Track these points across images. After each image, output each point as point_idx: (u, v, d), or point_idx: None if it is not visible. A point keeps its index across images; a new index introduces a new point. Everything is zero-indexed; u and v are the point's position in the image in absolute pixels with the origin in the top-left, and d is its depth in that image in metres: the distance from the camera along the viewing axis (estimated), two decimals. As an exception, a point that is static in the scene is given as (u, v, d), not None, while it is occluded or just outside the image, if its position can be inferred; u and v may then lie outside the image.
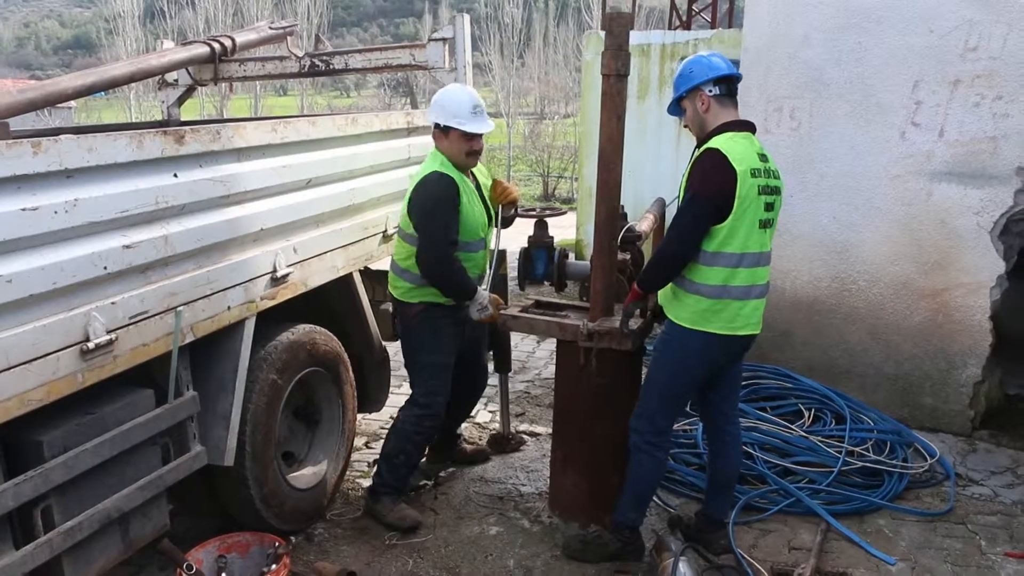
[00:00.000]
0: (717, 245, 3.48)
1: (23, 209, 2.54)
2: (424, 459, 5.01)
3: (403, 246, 4.19)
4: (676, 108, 3.77)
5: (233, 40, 5.68)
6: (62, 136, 2.71)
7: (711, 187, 3.43)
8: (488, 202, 4.33)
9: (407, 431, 4.30)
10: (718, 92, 3.58)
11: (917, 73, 5.28)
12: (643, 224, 4.77)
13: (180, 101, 6.18)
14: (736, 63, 5.87)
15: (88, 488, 2.95)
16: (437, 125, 4.10)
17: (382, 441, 4.46)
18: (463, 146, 4.09)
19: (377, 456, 4.54)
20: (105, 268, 2.86)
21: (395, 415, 4.42)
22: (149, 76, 5.29)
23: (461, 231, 4.10)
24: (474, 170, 4.32)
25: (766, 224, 3.56)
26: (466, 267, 4.19)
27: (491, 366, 5.13)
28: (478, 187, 4.29)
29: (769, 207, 3.56)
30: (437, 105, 4.11)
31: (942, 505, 4.58)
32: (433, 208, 4.04)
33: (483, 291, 4.24)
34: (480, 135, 4.11)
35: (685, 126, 3.77)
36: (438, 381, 4.29)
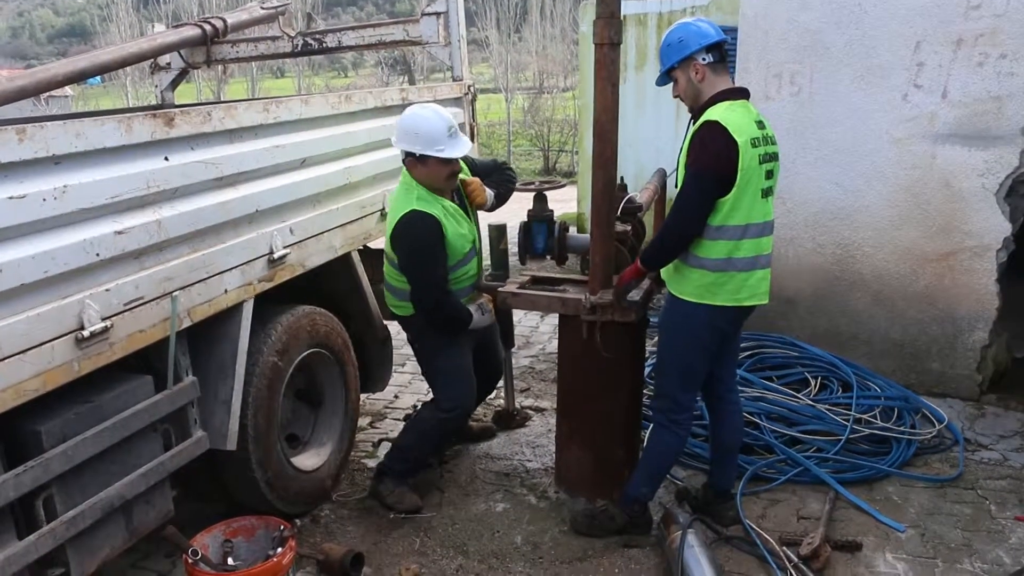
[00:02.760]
0: (721, 218, 3.42)
1: (10, 197, 2.50)
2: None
3: (392, 270, 4.13)
4: (665, 79, 3.67)
5: (225, 21, 5.63)
6: (48, 122, 2.67)
7: (713, 161, 3.36)
8: (467, 206, 4.22)
9: (427, 432, 4.29)
10: (711, 59, 3.49)
11: (919, 33, 5.19)
12: (644, 195, 4.71)
13: (174, 85, 6.14)
14: (734, 30, 5.82)
15: (89, 477, 2.93)
16: (411, 154, 3.90)
17: (387, 421, 4.44)
18: (443, 171, 3.93)
19: (382, 436, 4.52)
20: (98, 255, 2.82)
21: (419, 410, 4.43)
22: (140, 60, 5.24)
23: (449, 258, 4.02)
24: None
25: (767, 193, 3.51)
26: (462, 280, 4.16)
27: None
28: (460, 196, 4.19)
29: (769, 175, 3.50)
30: (408, 133, 3.88)
31: (951, 471, 4.55)
32: (419, 257, 3.93)
33: (473, 308, 4.20)
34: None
35: (676, 96, 3.66)
36: (460, 384, 4.25)
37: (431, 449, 4.40)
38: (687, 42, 3.48)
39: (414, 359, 4.49)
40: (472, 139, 5.42)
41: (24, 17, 74.46)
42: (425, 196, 3.94)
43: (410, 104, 4.76)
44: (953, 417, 5.08)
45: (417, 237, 3.90)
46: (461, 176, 4.24)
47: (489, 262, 4.86)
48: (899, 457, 4.58)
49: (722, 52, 3.53)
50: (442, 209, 3.96)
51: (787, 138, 5.36)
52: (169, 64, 6.01)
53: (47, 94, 5.14)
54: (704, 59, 3.47)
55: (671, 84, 3.65)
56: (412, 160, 3.92)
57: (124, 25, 31.56)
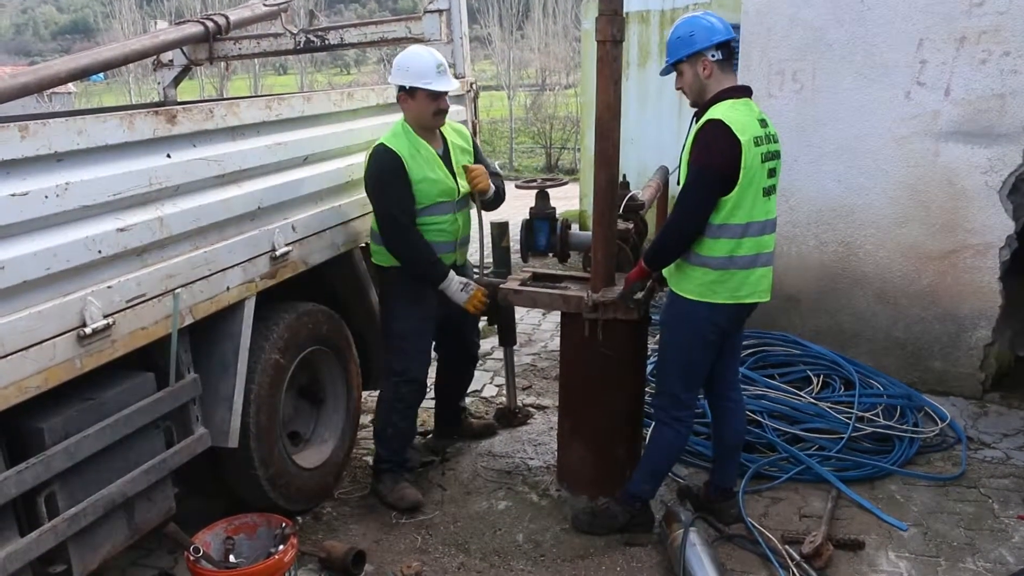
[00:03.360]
0: (723, 217, 3.42)
1: (12, 194, 2.50)
2: (431, 435, 5.00)
3: (373, 215, 4.19)
4: (669, 69, 3.64)
5: (227, 18, 5.62)
6: (50, 119, 2.67)
7: (716, 160, 3.35)
8: (455, 167, 4.23)
9: (387, 400, 4.29)
10: (720, 57, 3.47)
11: (921, 31, 5.18)
12: (646, 193, 4.72)
13: (176, 81, 6.14)
14: (736, 27, 5.79)
15: (91, 474, 2.93)
16: (402, 88, 4.02)
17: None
18: (430, 106, 4.02)
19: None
20: (100, 252, 2.82)
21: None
22: (143, 57, 5.23)
23: (416, 199, 4.05)
24: (446, 131, 4.24)
25: (770, 191, 3.50)
26: (432, 232, 4.13)
27: (496, 339, 5.09)
28: (446, 150, 4.21)
29: (772, 173, 3.50)
30: (400, 68, 4.01)
31: (954, 469, 4.54)
32: (376, 186, 4.04)
33: (458, 282, 4.18)
34: (446, 94, 4.05)
35: (679, 88, 3.65)
36: (412, 346, 4.25)
37: (402, 422, 4.33)
38: (697, 37, 3.45)
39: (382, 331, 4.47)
40: (474, 136, 5.41)
41: (28, 14, 74.53)
42: (399, 132, 4.06)
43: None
44: (956, 415, 5.07)
45: (375, 170, 4.01)
46: (465, 164, 4.26)
47: (491, 259, 4.86)
48: (901, 455, 4.57)
49: (730, 50, 3.51)
50: (411, 148, 4.03)
51: (789, 136, 5.35)
52: (172, 61, 6.01)
53: (50, 91, 5.14)
54: (713, 56, 3.45)
55: (673, 75, 3.63)
56: (403, 95, 4.03)
57: (127, 22, 31.66)
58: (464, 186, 4.25)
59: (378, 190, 4.04)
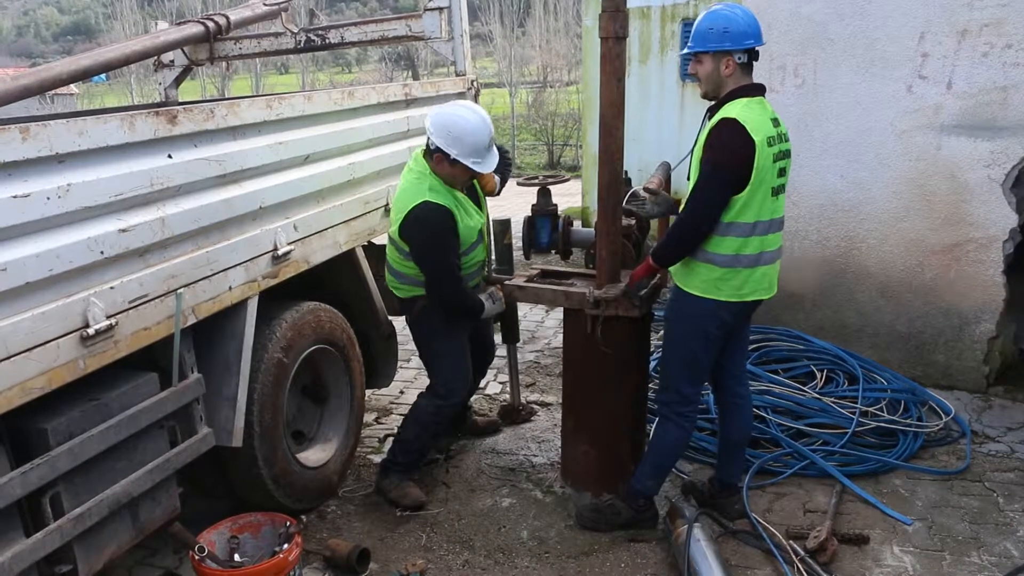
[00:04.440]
0: (733, 216, 3.42)
1: (14, 196, 2.50)
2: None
3: (396, 254, 4.09)
4: (689, 55, 3.57)
5: (228, 18, 5.62)
6: (52, 120, 2.67)
7: (731, 159, 3.34)
8: (479, 194, 4.22)
9: (426, 421, 4.28)
10: (745, 60, 3.46)
11: (923, 24, 5.17)
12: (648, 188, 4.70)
13: (177, 82, 6.14)
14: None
15: (96, 474, 2.93)
16: (444, 152, 3.83)
17: (392, 417, 4.44)
18: (466, 175, 3.96)
19: (388, 431, 4.52)
20: (102, 253, 2.82)
21: (415, 399, 4.38)
22: (144, 58, 5.23)
23: (461, 245, 4.02)
24: None
25: (779, 190, 3.50)
26: (468, 266, 4.14)
27: (499, 337, 5.09)
28: (471, 188, 4.17)
29: (782, 172, 3.50)
30: (451, 135, 3.81)
31: (958, 463, 4.54)
32: (433, 245, 3.92)
33: (484, 297, 4.23)
34: None
35: (693, 73, 3.59)
36: (455, 367, 4.26)
37: (430, 438, 4.38)
38: (730, 36, 3.40)
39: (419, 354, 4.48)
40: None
41: (29, 16, 74.62)
42: (438, 187, 3.92)
43: (414, 99, 4.76)
44: (960, 409, 5.07)
45: (430, 229, 3.87)
46: None
47: (493, 256, 4.86)
48: (906, 450, 4.57)
49: (756, 55, 3.48)
50: (454, 200, 3.95)
51: (791, 131, 5.27)
52: (173, 61, 6.01)
53: (52, 92, 5.14)
54: (739, 59, 3.43)
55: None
56: (441, 156, 3.85)
57: (128, 23, 31.72)
58: (486, 212, 4.26)
59: (436, 249, 3.93)
